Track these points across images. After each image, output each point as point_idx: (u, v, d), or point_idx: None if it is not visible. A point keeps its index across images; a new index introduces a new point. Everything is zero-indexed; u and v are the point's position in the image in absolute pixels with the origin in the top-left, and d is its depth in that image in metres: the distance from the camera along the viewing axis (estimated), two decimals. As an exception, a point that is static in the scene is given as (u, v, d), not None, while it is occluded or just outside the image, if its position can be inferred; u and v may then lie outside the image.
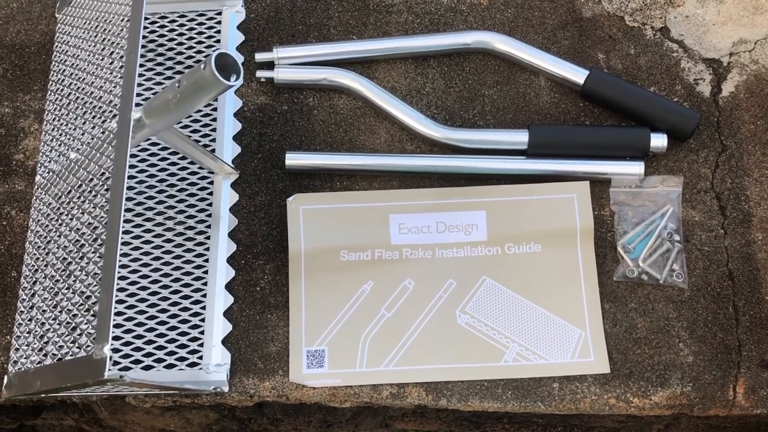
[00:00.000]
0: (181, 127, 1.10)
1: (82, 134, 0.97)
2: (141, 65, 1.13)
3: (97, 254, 0.85)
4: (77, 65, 1.03)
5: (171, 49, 1.14)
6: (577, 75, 1.08)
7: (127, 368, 0.98)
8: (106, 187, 0.87)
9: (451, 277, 1.00)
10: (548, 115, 1.10)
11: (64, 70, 1.07)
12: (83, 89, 0.99)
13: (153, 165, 1.09)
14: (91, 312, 0.83)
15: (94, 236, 0.87)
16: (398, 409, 0.98)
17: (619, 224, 1.03)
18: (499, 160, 1.05)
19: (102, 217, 0.86)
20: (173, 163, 1.09)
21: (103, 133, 0.92)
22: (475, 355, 0.97)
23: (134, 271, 1.03)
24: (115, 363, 0.98)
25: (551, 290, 0.99)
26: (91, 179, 0.91)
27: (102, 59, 0.96)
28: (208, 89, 0.79)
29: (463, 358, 0.97)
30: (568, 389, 0.96)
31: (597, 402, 0.95)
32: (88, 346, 0.82)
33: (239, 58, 1.11)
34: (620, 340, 0.98)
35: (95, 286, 0.84)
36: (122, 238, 1.02)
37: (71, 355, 0.84)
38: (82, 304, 0.86)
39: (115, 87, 0.91)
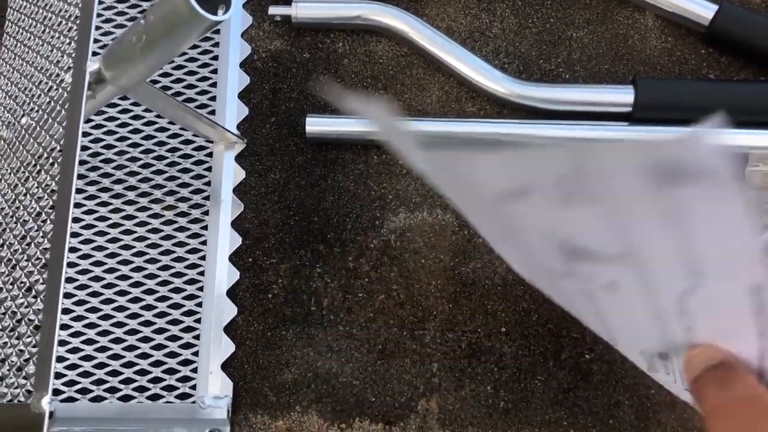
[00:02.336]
0: (167, 80, 0.85)
1: (36, 95, 0.72)
2: (111, 7, 0.88)
3: (43, 260, 0.61)
4: (34, 13, 0.78)
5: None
6: (702, 10, 0.79)
7: (100, 398, 0.75)
8: (50, 161, 0.63)
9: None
10: (658, 67, 0.82)
11: (20, 19, 0.82)
12: (40, 37, 0.75)
13: (134, 131, 0.84)
14: (31, 342, 0.60)
15: (42, 232, 0.64)
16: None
17: (758, 216, 0.75)
18: (592, 128, 0.78)
19: (50, 203, 0.62)
20: (161, 129, 0.84)
21: (57, 91, 0.67)
22: None
23: (110, 270, 0.79)
24: (84, 391, 0.76)
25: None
26: (41, 154, 0.67)
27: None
28: (184, 27, 0.54)
29: None
30: None
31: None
32: (28, 390, 0.59)
33: (244, -11, 0.85)
34: None
35: (37, 305, 0.60)
36: (94, 227, 0.79)
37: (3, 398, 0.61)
38: (23, 332, 0.63)
39: (70, 30, 0.66)
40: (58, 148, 0.64)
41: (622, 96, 0.78)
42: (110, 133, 0.84)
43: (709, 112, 0.77)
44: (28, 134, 0.71)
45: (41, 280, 0.61)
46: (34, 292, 0.62)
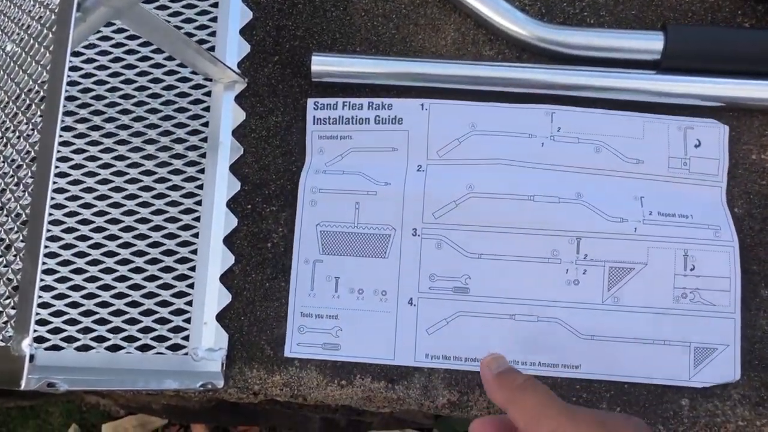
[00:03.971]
0: (164, 13, 0.79)
1: (22, 17, 0.67)
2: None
3: (25, 198, 0.57)
4: None
5: None
6: (741, -48, 0.74)
7: (87, 347, 0.71)
8: (41, 95, 0.58)
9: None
10: (690, 13, 0.76)
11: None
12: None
13: (128, 67, 0.78)
14: (13, 283, 0.56)
15: (28, 170, 0.59)
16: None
17: (790, 175, 0.70)
18: (617, 76, 0.73)
19: (35, 138, 0.57)
20: (156, 65, 0.78)
21: (44, 13, 0.62)
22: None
23: (99, 213, 0.75)
24: (70, 340, 0.72)
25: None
26: (28, 87, 0.62)
27: None
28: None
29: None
30: (703, 409, 0.67)
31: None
32: (7, 331, 0.55)
33: None
34: (783, 344, 0.68)
35: (21, 244, 0.56)
36: (84, 167, 0.74)
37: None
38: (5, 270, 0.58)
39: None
40: (47, 79, 0.59)
41: (651, 43, 0.73)
42: (102, 68, 0.78)
43: (743, 62, 0.72)
44: (14, 63, 0.66)
45: (24, 217, 0.56)
46: (19, 233, 0.57)
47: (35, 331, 0.59)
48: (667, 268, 0.68)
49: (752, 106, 0.72)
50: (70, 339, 0.72)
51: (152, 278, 0.72)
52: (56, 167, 0.63)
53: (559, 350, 0.68)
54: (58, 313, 0.72)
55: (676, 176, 0.71)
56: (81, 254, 0.74)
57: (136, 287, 0.72)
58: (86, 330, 0.72)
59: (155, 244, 0.73)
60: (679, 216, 0.69)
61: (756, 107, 0.72)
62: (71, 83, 0.78)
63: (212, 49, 0.77)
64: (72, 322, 0.72)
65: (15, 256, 0.56)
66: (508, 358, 0.68)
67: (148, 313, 0.72)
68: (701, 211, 0.70)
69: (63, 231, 0.74)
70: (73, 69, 0.78)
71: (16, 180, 0.59)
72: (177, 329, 0.71)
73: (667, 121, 0.72)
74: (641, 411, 0.67)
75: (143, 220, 0.74)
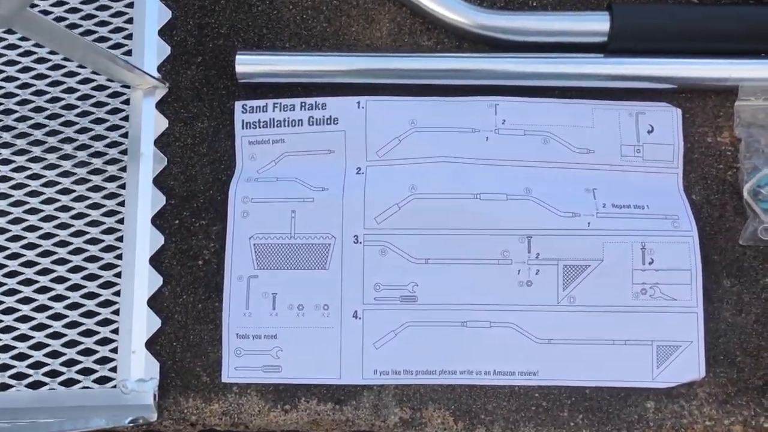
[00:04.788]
0: (76, 17, 0.73)
1: None
2: None
3: None
4: None
5: None
6: (686, -76, 0.70)
7: (5, 385, 0.65)
8: None
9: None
10: (636, -10, 0.72)
11: None
12: None
13: (39, 77, 0.72)
14: None
15: None
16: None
17: (747, 158, 0.67)
18: (563, 61, 0.68)
19: None
20: (70, 74, 0.72)
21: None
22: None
23: (14, 239, 0.68)
24: (-14, 379, 0.66)
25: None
26: None
27: None
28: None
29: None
30: (669, 411, 0.63)
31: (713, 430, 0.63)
32: None
33: None
34: (749, 335, 0.64)
35: None
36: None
37: None
38: None
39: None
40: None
41: (597, 24, 0.68)
42: (9, 79, 0.72)
43: (695, 40, 0.68)
44: None
45: None
46: None
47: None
48: (625, 264, 0.64)
49: (705, 86, 0.68)
50: (-14, 378, 0.66)
51: (74, 306, 0.67)
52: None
53: (514, 357, 0.64)
54: (-28, 350, 0.66)
55: (629, 165, 0.67)
56: (-5, 284, 0.68)
57: (57, 317, 0.67)
58: (4, 367, 0.66)
59: (76, 269, 0.67)
60: (635, 207, 0.65)
61: (709, 87, 0.69)
62: (-24, 97, 0.71)
63: (129, 53, 0.72)
64: (-12, 359, 0.66)
65: None
66: (460, 368, 0.64)
67: (71, 344, 0.66)
68: (658, 201, 0.66)
69: (-26, 260, 0.68)
70: (-23, 82, 0.72)
71: None
72: (103, 360, 0.66)
73: (618, 108, 0.68)
74: (605, 417, 0.63)
75: (62, 243, 0.68)
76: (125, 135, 0.70)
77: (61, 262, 0.68)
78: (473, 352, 0.64)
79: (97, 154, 0.70)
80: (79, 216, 0.69)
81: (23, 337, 0.66)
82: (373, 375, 0.64)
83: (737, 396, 0.63)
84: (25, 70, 0.72)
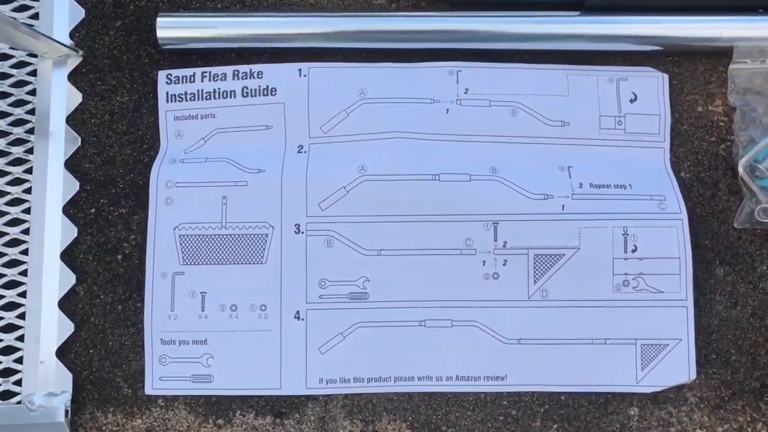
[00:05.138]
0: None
1: None
2: None
3: None
4: None
5: None
6: None
7: None
8: None
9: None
10: (617, -60, 0.63)
11: None
12: None
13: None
14: None
15: None
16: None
17: (742, 129, 0.59)
18: (533, 20, 0.60)
19: None
20: (-36, 40, 0.62)
21: None
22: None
23: None
24: None
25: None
26: None
27: None
28: None
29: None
30: (655, 418, 0.56)
31: (705, 439, 0.56)
32: None
33: None
34: (744, 330, 0.57)
35: None
36: None
37: None
38: None
39: None
40: None
41: (572, -22, 0.60)
42: None
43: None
44: None
45: None
46: None
47: None
48: (604, 252, 0.56)
49: (695, 47, 0.60)
50: None
51: (-26, 309, 0.58)
52: None
53: (479, 360, 0.56)
54: None
55: (609, 139, 0.59)
56: None
57: (-47, 322, 0.58)
58: None
59: (-25, 267, 0.58)
60: (615, 187, 0.57)
61: (699, 48, 0.60)
62: None
63: (36, 16, 0.62)
64: None
65: None
66: (419, 373, 0.56)
67: (-30, 354, 0.57)
68: (642, 179, 0.58)
69: None
70: None
71: None
72: (6, 372, 0.57)
73: (596, 73, 0.60)
74: (582, 426, 0.56)
75: (-41, 237, 0.59)
76: (32, 111, 0.61)
77: (-41, 259, 0.59)
78: (433, 356, 0.56)
79: (1, 134, 0.60)
80: (-21, 205, 0.59)
81: None
82: (319, 384, 0.56)
83: (732, 400, 0.56)
84: None
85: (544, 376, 0.56)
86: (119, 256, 0.59)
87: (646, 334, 0.56)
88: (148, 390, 0.57)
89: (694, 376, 0.55)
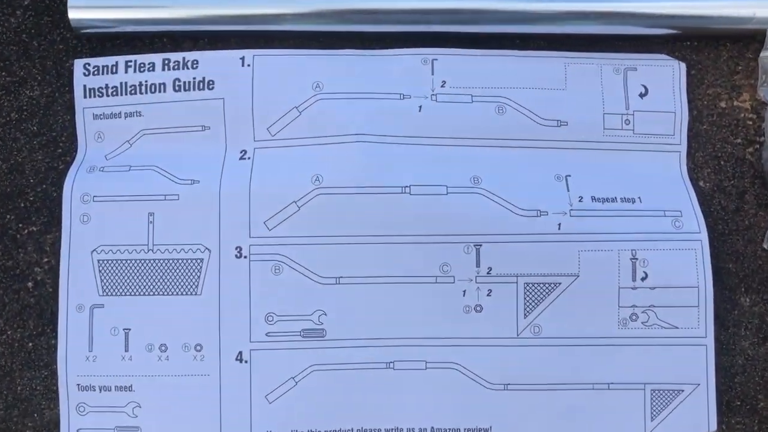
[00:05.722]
0: None
1: None
2: None
3: None
4: None
5: None
6: None
7: None
8: None
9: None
10: None
11: None
12: None
13: None
14: None
15: None
16: None
17: (775, 127, 0.49)
18: (526, -3, 0.50)
19: None
20: None
21: None
22: None
23: None
24: None
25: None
26: None
27: None
28: None
29: None
30: (667, 474, 0.47)
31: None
32: None
33: None
34: (774, 372, 0.48)
35: None
36: None
37: None
38: None
39: None
40: None
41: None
42: None
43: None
44: None
45: None
46: None
47: None
48: (609, 280, 0.47)
49: (719, 30, 0.50)
50: None
51: None
52: None
53: (459, 408, 0.47)
54: None
55: (615, 142, 0.49)
56: None
57: None
58: None
59: None
60: (622, 201, 0.48)
61: (724, 32, 0.50)
62: None
63: (-73, -8, 0.51)
64: None
65: None
66: (386, 424, 0.47)
67: None
68: (653, 191, 0.48)
69: None
70: None
71: None
72: None
73: (600, 62, 0.50)
74: (580, 486, 0.47)
75: None
76: None
77: None
78: (403, 403, 0.47)
79: None
80: None
81: None
82: None
83: (759, 458, 0.47)
84: None
85: (536, 427, 0.47)
86: (29, 284, 0.49)
87: (658, 378, 0.47)
88: (64, 445, 0.48)
89: (714, 427, 0.47)
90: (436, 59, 0.49)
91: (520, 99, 0.49)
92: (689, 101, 0.50)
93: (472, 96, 0.49)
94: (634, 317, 0.47)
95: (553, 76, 0.49)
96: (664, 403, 0.47)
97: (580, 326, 0.47)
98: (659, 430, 0.47)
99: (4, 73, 0.51)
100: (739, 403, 0.48)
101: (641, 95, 0.50)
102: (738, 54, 0.51)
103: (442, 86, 0.49)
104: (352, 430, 0.47)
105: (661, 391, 0.47)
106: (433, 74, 0.49)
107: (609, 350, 0.47)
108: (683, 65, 0.50)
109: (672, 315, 0.47)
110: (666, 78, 0.50)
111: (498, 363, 0.47)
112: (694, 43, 0.51)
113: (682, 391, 0.47)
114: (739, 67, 0.51)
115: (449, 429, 0.47)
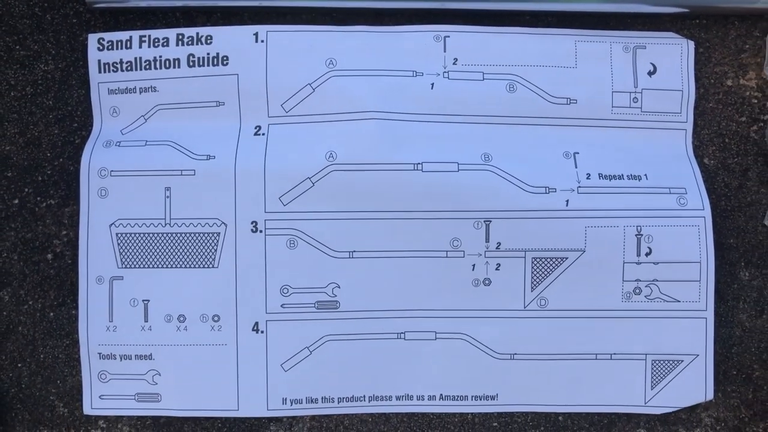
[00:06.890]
0: None
1: None
2: None
3: None
4: None
5: None
6: None
7: None
8: None
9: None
10: None
11: None
12: None
13: None
14: None
15: None
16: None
17: (780, 108, 0.50)
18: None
19: None
20: None
21: None
22: None
23: None
24: None
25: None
26: None
27: None
28: None
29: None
30: (665, 439, 0.49)
31: (719, 464, 0.49)
32: None
33: None
34: (769, 342, 0.50)
35: None
36: None
37: None
38: None
39: None
40: None
41: None
42: None
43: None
44: None
45: None
46: None
47: None
48: (614, 255, 0.48)
49: (726, 8, 0.51)
50: None
51: None
52: None
53: (467, 377, 0.49)
54: None
55: (623, 119, 0.50)
56: None
57: None
58: None
59: None
60: (629, 178, 0.49)
61: (732, 10, 0.51)
62: None
63: (-62, -36, 0.51)
64: None
65: None
66: (397, 392, 0.49)
67: None
68: (659, 169, 0.49)
69: None
70: None
71: None
72: None
73: (609, 39, 0.50)
74: (582, 450, 0.49)
75: None
76: (-62, 82, 0.51)
77: None
78: (414, 372, 0.49)
79: None
80: None
81: None
82: (282, 405, 0.49)
83: (752, 421, 0.49)
84: None
85: (540, 395, 0.49)
86: (49, 256, 0.51)
87: (659, 349, 0.49)
88: (87, 410, 0.49)
89: (711, 395, 0.49)
90: (449, 36, 0.50)
91: (531, 76, 0.49)
92: (696, 79, 0.51)
93: (483, 73, 0.49)
94: (637, 291, 0.48)
95: (564, 53, 0.50)
96: (663, 373, 0.49)
97: (585, 299, 0.48)
98: (658, 398, 0.49)
99: (18, 48, 0.52)
100: (735, 372, 0.50)
101: (650, 73, 0.50)
102: (746, 32, 0.51)
103: (454, 63, 0.49)
104: (364, 397, 0.49)
105: (662, 362, 0.49)
106: (445, 51, 0.50)
107: (612, 322, 0.49)
108: (692, 43, 0.51)
109: (674, 289, 0.48)
110: (674, 56, 0.51)
111: (505, 334, 0.49)
112: (703, 21, 0.51)
113: (682, 361, 0.49)
114: (746, 46, 0.51)
115: (458, 396, 0.49)
